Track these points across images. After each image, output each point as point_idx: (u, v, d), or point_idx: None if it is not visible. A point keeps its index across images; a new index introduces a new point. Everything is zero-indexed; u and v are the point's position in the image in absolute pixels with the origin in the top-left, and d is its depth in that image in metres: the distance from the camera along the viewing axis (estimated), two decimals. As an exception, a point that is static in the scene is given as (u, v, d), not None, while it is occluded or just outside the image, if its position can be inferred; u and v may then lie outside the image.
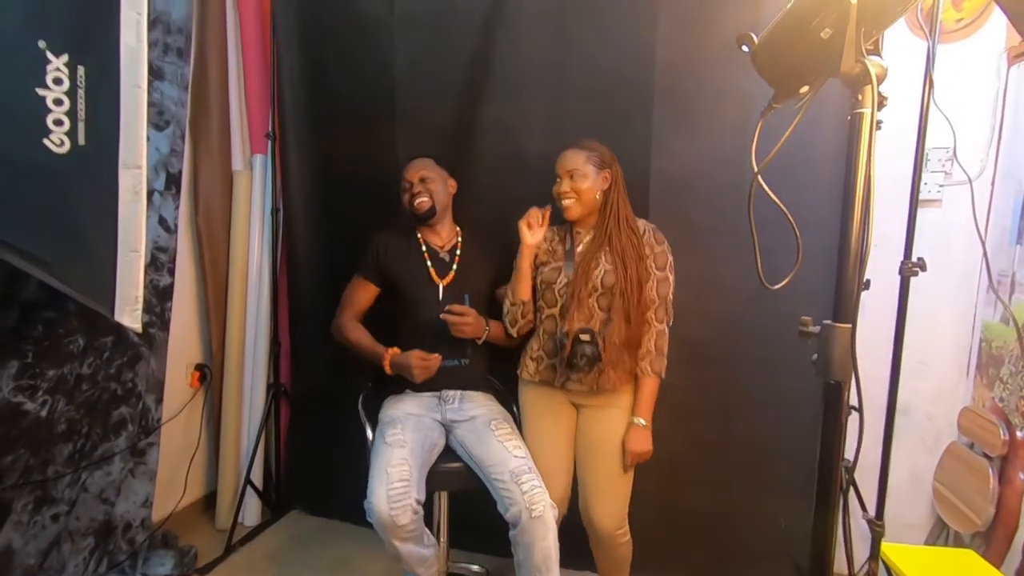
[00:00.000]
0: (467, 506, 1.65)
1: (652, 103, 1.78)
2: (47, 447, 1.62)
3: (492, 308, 1.80)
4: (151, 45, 1.80)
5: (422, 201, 1.74)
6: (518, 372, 1.68)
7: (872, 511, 1.50)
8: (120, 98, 1.01)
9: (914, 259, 1.35)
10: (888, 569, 1.48)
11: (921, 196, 1.43)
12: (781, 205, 0.76)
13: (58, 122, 0.96)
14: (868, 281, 1.24)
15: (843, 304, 0.68)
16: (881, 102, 0.68)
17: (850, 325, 0.67)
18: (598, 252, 1.56)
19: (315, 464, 2.23)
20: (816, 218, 1.16)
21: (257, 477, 2.19)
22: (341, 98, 2.09)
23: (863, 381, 0.66)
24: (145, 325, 1.88)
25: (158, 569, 1.83)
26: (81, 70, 0.96)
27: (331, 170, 2.14)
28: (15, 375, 1.53)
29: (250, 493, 2.15)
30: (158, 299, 1.90)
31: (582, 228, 1.64)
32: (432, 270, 1.75)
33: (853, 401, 1.35)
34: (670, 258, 1.58)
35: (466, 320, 1.63)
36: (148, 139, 1.80)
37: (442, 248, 1.80)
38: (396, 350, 1.64)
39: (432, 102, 1.98)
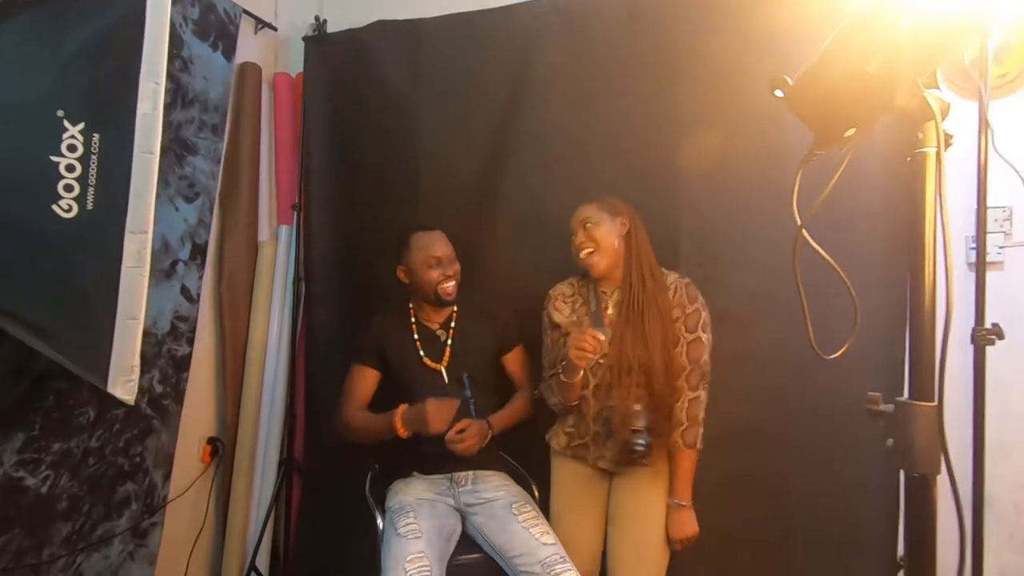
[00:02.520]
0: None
1: (676, 159, 1.73)
2: (44, 526, 1.53)
3: (500, 382, 1.70)
4: (187, 122, 1.88)
5: (453, 287, 1.62)
6: (547, 439, 1.56)
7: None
8: (132, 164, 1.00)
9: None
10: None
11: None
12: (831, 261, 0.66)
13: (68, 187, 0.95)
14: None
15: (922, 378, 0.57)
16: (948, 141, 0.60)
17: (935, 403, 0.55)
18: (630, 322, 1.45)
19: (327, 548, 2.07)
20: (865, 280, 1.04)
21: (264, 561, 2.04)
22: (365, 172, 2.12)
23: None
24: (158, 396, 1.84)
25: (149, 668, 1.68)
26: (96, 137, 0.96)
27: (354, 242, 2.14)
28: (19, 448, 1.48)
29: (255, 579, 1.99)
30: (174, 369, 1.87)
31: (607, 286, 1.54)
32: (422, 352, 1.63)
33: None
34: (704, 316, 1.47)
35: (467, 437, 1.48)
36: (177, 210, 1.87)
37: (437, 325, 1.70)
38: (404, 406, 1.51)
39: (455, 173, 1.98)
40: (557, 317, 1.56)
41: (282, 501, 2.11)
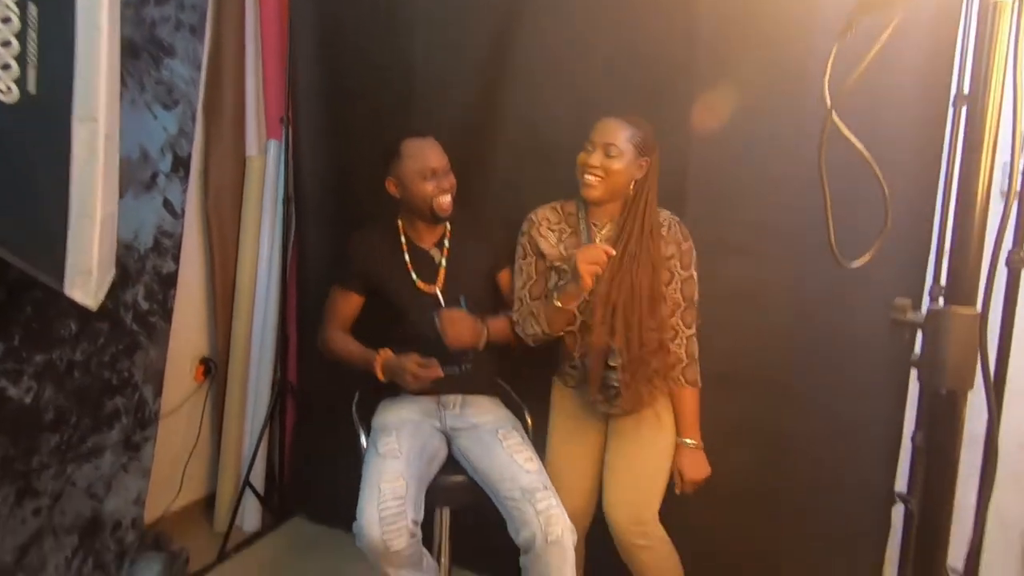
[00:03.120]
0: (472, 521, 1.47)
1: (692, 77, 1.58)
2: (30, 436, 1.52)
3: (496, 305, 1.62)
4: (163, 20, 1.74)
5: (449, 202, 1.50)
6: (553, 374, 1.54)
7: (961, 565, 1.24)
8: (76, 41, 0.89)
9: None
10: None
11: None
12: (864, 151, 0.56)
13: (5, 66, 0.84)
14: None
15: (962, 279, 0.48)
16: None
17: (976, 310, 0.46)
18: (621, 264, 1.36)
19: (321, 468, 2.10)
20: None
21: (259, 479, 2.06)
22: (356, 89, 1.99)
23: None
24: (145, 313, 1.79)
25: (144, 573, 1.72)
26: (32, 8, 0.84)
27: (345, 161, 2.04)
28: (-1, 358, 1.44)
29: (250, 496, 2.02)
30: (160, 286, 1.81)
31: (599, 219, 1.44)
32: (415, 275, 1.54)
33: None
34: (694, 254, 1.42)
35: (461, 328, 1.41)
36: (155, 117, 1.76)
37: (430, 244, 1.59)
38: (388, 352, 1.46)
39: (451, 89, 1.85)
40: (543, 245, 1.45)
41: (276, 421, 2.11)
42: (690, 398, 1.41)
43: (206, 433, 2.11)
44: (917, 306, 0.52)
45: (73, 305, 1.60)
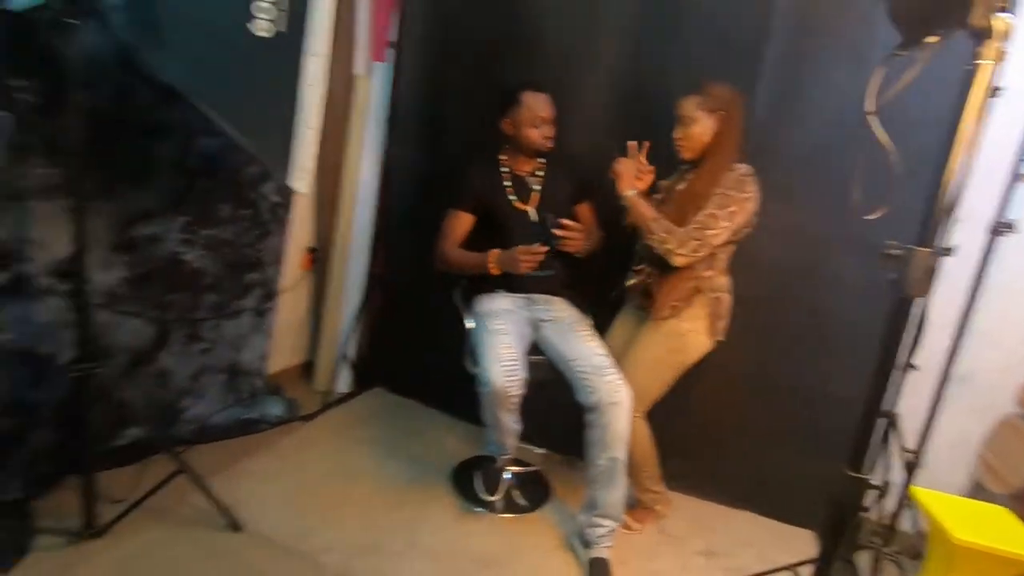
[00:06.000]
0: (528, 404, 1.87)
1: (765, 49, 1.81)
2: (198, 294, 1.94)
3: None
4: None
5: (551, 142, 1.83)
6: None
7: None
8: (313, -7, 1.18)
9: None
10: (919, 515, 1.61)
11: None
12: (887, 140, 0.84)
13: (264, 9, 1.15)
14: (952, 248, 1.29)
15: (929, 230, 0.79)
16: (1000, 55, 0.75)
17: (929, 250, 0.78)
18: (679, 201, 1.70)
19: (398, 349, 2.52)
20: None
21: (351, 351, 2.49)
22: (460, 21, 2.19)
23: (933, 347, 0.76)
24: (275, 205, 2.15)
25: (272, 409, 2.19)
26: (287, -35, 1.13)
27: (438, 92, 2.29)
28: (180, 229, 1.82)
29: (344, 365, 2.46)
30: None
31: (695, 172, 1.73)
32: (514, 196, 1.87)
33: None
34: (733, 208, 1.62)
35: (574, 235, 1.73)
36: None
37: (526, 172, 1.91)
38: (497, 250, 1.79)
39: (549, 31, 2.06)
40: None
41: (366, 305, 2.51)
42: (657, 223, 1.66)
43: (310, 310, 2.53)
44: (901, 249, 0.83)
45: (228, 193, 1.97)
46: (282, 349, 2.42)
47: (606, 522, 1.68)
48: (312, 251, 2.48)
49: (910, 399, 1.74)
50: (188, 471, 1.58)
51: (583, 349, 1.70)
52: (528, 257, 1.70)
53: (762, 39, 1.83)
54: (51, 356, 1.55)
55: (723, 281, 1.75)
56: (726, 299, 1.75)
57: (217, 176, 1.86)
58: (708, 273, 1.70)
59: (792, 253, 1.90)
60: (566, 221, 1.74)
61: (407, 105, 2.34)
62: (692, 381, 1.82)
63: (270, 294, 2.22)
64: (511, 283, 1.86)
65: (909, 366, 1.86)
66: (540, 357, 1.79)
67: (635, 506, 1.90)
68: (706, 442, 2.06)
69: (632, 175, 1.71)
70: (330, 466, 2.00)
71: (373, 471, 2.00)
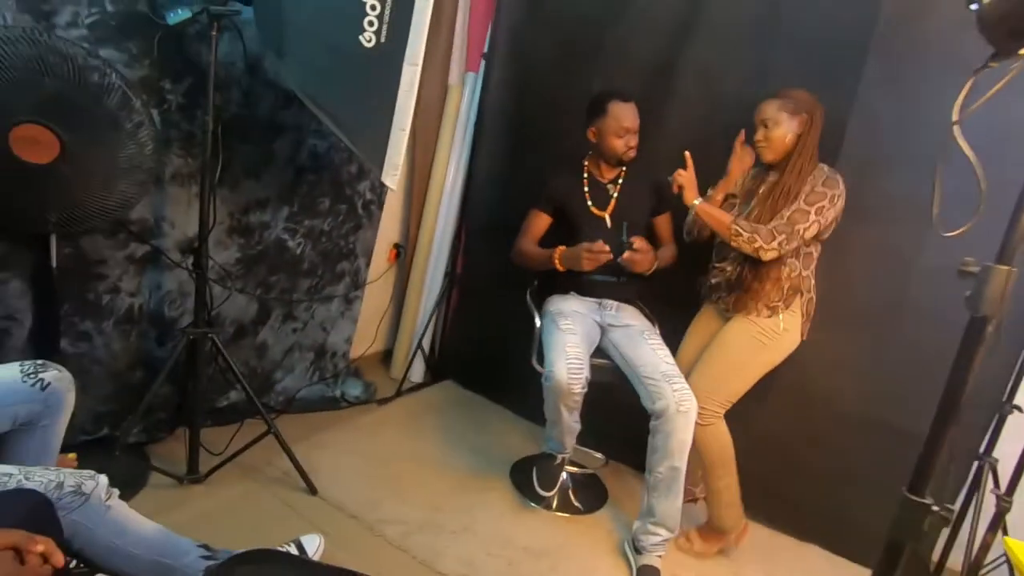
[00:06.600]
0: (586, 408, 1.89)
1: (865, 60, 1.75)
2: (295, 278, 2.14)
3: (649, 237, 1.93)
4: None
5: (634, 152, 1.87)
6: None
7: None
8: (414, 7, 1.31)
9: None
10: (1011, 564, 1.48)
11: None
12: (972, 156, 0.82)
13: (371, 23, 1.29)
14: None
15: (1008, 248, 0.75)
16: None
17: (1009, 267, 0.74)
18: (764, 204, 1.67)
19: (471, 345, 2.63)
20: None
21: (426, 345, 2.64)
22: (551, 37, 2.29)
23: None
24: (368, 202, 2.33)
25: (352, 390, 2.36)
26: (394, -17, 1.27)
27: (524, 98, 2.39)
28: (285, 218, 2.03)
29: (419, 356, 2.61)
30: (380, 183, 2.33)
31: (776, 173, 1.72)
32: (590, 201, 1.91)
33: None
34: (824, 203, 1.60)
35: (642, 257, 1.78)
36: None
37: (607, 180, 1.95)
38: (563, 247, 1.84)
39: (640, 40, 2.09)
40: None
41: (443, 302, 2.65)
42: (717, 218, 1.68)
43: (393, 302, 2.71)
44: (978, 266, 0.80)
45: (329, 187, 2.16)
46: (365, 336, 2.61)
47: (661, 531, 1.67)
48: (398, 247, 2.66)
49: (1014, 443, 1.60)
50: (276, 436, 1.76)
51: (651, 356, 1.72)
52: (590, 256, 1.74)
53: (864, 46, 1.77)
54: (174, 320, 1.79)
55: (814, 282, 1.74)
56: (814, 300, 1.75)
57: (321, 173, 2.06)
58: (806, 273, 1.71)
59: (884, 276, 1.80)
60: (637, 241, 1.77)
61: (495, 113, 2.45)
62: (775, 406, 1.79)
63: (358, 283, 2.40)
64: (582, 286, 1.91)
65: (1013, 407, 1.72)
66: (606, 361, 1.82)
67: (705, 523, 1.85)
68: (782, 470, 1.98)
69: (694, 185, 1.71)
70: (399, 447, 2.13)
71: (438, 457, 2.11)
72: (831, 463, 1.92)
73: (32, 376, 1.10)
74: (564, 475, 1.97)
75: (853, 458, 1.88)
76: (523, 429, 2.38)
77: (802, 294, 1.71)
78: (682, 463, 1.62)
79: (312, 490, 1.78)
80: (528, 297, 2.02)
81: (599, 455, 2.22)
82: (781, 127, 1.65)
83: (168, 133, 1.62)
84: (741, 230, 1.63)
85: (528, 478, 2.00)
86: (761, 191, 1.73)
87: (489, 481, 2.02)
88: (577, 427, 1.80)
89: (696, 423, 1.66)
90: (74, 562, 0.97)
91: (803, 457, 1.96)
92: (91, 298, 1.61)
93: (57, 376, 1.13)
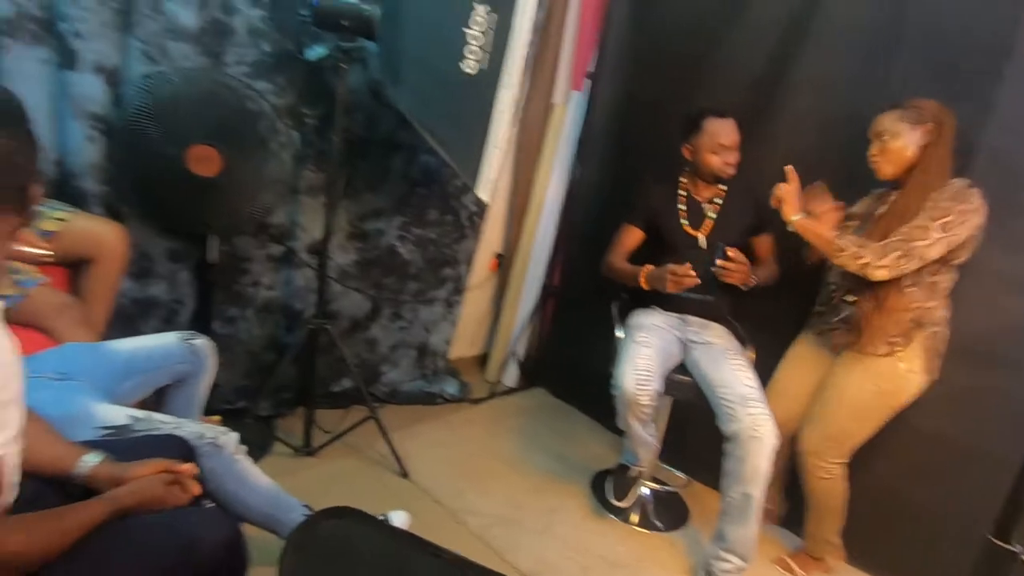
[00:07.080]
0: (675, 427, 1.88)
1: (1005, 70, 1.58)
2: (404, 280, 2.35)
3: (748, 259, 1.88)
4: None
5: (733, 169, 1.82)
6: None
7: None
8: (511, 36, 1.44)
9: None
10: None
11: None
12: None
13: (472, 52, 1.43)
14: None
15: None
16: None
17: None
18: (880, 226, 1.55)
19: (563, 355, 2.70)
20: None
21: (520, 352, 2.75)
22: (659, 40, 2.30)
23: None
24: (472, 214, 2.50)
25: (449, 388, 2.53)
26: (494, 16, 1.40)
27: (629, 116, 2.43)
28: (398, 227, 2.25)
29: (513, 361, 2.73)
30: (484, 196, 2.50)
31: (899, 191, 1.58)
32: (685, 220, 1.88)
33: None
34: (951, 218, 1.44)
35: (737, 268, 1.70)
36: None
37: (704, 199, 1.91)
38: (651, 266, 1.84)
39: (747, 51, 2.04)
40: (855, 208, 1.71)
41: (539, 313, 2.75)
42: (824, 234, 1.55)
43: (491, 309, 2.86)
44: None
45: (438, 200, 2.35)
46: (463, 338, 2.78)
47: (732, 558, 1.62)
48: (498, 256, 2.81)
49: None
50: (377, 421, 1.95)
51: (731, 377, 1.67)
52: (675, 279, 1.71)
53: (1002, 59, 1.61)
54: (300, 312, 2.07)
55: (943, 314, 1.57)
56: (944, 334, 1.58)
57: (430, 187, 2.26)
58: (930, 304, 1.53)
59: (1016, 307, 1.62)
60: (732, 251, 1.72)
61: (598, 130, 2.52)
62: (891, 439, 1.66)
63: (460, 289, 2.58)
64: (667, 301, 1.91)
65: None
66: (687, 378, 1.80)
67: (801, 549, 1.79)
68: (888, 511, 1.83)
69: (796, 199, 1.60)
70: (487, 445, 2.25)
71: (523, 458, 2.20)
72: (940, 508, 1.75)
73: (187, 341, 1.36)
74: (645, 491, 1.97)
75: (962, 505, 1.69)
76: (608, 441, 2.40)
77: (924, 327, 1.55)
78: (756, 490, 1.56)
79: (404, 473, 1.95)
80: (613, 309, 2.05)
81: (681, 474, 2.18)
82: (900, 139, 1.52)
83: (304, 151, 1.90)
84: (844, 245, 1.50)
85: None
86: (879, 211, 1.61)
87: (570, 487, 2.07)
88: (652, 441, 1.79)
89: (819, 477, 1.63)
90: (207, 500, 1.18)
91: (905, 498, 1.80)
92: (237, 289, 1.93)
93: (204, 343, 1.39)
